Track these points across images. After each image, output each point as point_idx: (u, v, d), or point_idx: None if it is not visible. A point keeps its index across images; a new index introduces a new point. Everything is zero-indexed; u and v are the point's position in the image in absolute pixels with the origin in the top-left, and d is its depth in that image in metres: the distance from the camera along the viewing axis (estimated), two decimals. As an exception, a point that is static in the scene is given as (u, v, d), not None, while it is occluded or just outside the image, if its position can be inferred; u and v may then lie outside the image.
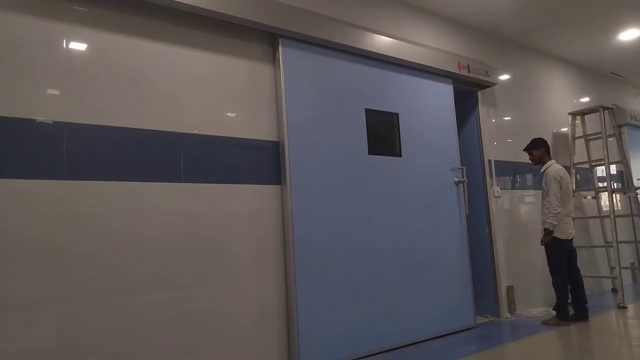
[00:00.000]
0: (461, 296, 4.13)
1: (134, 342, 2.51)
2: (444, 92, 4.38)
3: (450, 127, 4.37)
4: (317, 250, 3.25)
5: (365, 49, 3.68)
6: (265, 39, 3.32)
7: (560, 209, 4.11)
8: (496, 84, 4.77)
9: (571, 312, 4.21)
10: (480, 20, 4.74)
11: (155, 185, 2.71)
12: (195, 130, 2.90)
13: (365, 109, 3.74)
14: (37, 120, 2.37)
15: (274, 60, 3.34)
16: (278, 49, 3.31)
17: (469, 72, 4.43)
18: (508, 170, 4.91)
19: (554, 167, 4.31)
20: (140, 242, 2.60)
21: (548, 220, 4.12)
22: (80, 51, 2.56)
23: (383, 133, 3.89)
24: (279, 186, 3.22)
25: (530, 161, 4.55)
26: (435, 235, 4.04)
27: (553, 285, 4.22)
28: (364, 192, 3.61)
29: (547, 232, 4.14)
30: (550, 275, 4.26)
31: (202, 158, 2.90)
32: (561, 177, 4.22)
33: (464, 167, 4.34)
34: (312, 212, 3.27)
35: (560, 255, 4.19)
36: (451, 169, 4.27)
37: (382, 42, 3.79)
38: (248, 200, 3.06)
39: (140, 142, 2.69)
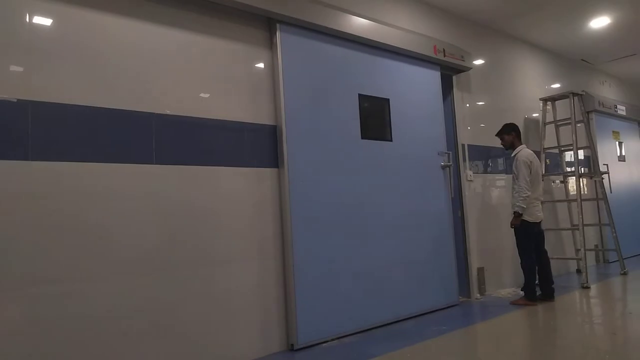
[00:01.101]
0: (446, 275, 4.30)
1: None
2: (432, 79, 4.47)
3: (437, 112, 4.48)
4: (313, 231, 3.36)
5: (340, 29, 3.64)
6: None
7: (529, 193, 4.21)
8: (471, 68, 4.81)
9: (538, 292, 4.35)
10: (455, 5, 4.75)
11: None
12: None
13: (359, 94, 3.80)
14: (0, 99, 2.27)
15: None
16: (276, 34, 3.33)
17: (444, 56, 4.45)
18: (481, 155, 4.99)
19: (524, 151, 4.40)
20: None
21: (517, 204, 4.22)
22: (46, 26, 2.45)
23: (375, 118, 3.97)
24: (276, 169, 3.28)
25: (502, 146, 4.63)
26: (423, 216, 4.19)
27: (521, 266, 4.34)
28: (357, 176, 3.71)
29: (517, 215, 4.24)
30: (519, 257, 4.38)
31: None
32: (531, 162, 4.32)
33: (450, 152, 4.48)
34: (308, 195, 3.36)
35: (529, 237, 4.30)
36: (438, 153, 4.38)
37: (356, 24, 3.75)
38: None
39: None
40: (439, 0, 4.63)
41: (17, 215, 2.26)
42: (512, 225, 4.32)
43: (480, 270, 4.69)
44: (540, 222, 4.39)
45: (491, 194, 5.07)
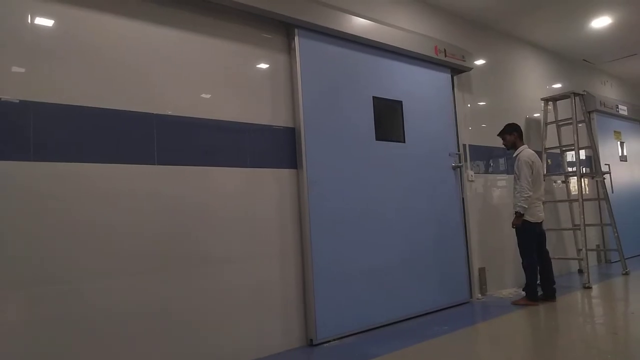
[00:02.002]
0: (458, 273, 4.40)
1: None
2: (442, 81, 4.56)
3: (448, 114, 4.57)
4: (330, 230, 3.45)
5: (343, 30, 3.67)
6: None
7: (531, 193, 4.21)
8: (472, 68, 4.81)
9: (540, 292, 4.34)
10: (456, 5, 4.75)
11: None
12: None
13: (373, 97, 3.89)
14: (2, 99, 2.27)
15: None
16: (294, 39, 3.42)
17: (445, 56, 4.46)
18: (482, 155, 4.99)
19: (526, 151, 4.40)
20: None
21: (519, 204, 4.22)
22: (48, 27, 2.45)
23: (388, 120, 4.06)
24: (294, 170, 3.38)
25: (503, 146, 4.63)
26: (436, 216, 4.29)
27: (523, 266, 4.34)
28: (372, 176, 3.82)
29: (518, 215, 4.24)
30: (520, 257, 4.38)
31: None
32: (532, 162, 4.32)
33: (461, 153, 4.54)
34: (325, 195, 3.46)
35: (530, 237, 4.30)
36: (449, 154, 4.46)
37: (357, 24, 3.76)
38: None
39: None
40: (439, 0, 4.63)
41: (19, 215, 2.27)
42: (513, 225, 4.31)
43: (482, 271, 4.69)
44: (541, 222, 4.39)
45: (492, 194, 5.07)
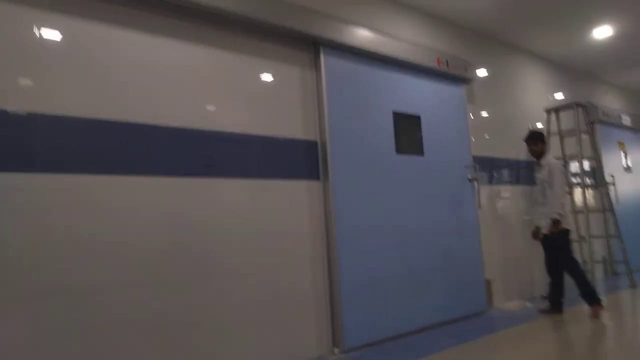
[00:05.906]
0: (475, 283, 4.45)
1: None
2: (458, 95, 4.66)
3: (463, 127, 4.65)
4: (354, 242, 3.55)
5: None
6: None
7: (567, 200, 4.14)
8: (474, 79, 4.81)
9: (548, 306, 4.28)
10: (458, 16, 4.78)
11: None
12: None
13: (393, 112, 3.99)
14: (9, 111, 2.27)
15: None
16: (320, 56, 3.55)
17: (448, 67, 4.47)
18: (486, 166, 4.96)
19: (555, 160, 4.40)
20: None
21: (556, 210, 4.11)
22: (55, 40, 2.46)
23: (407, 134, 4.16)
24: (317, 182, 3.48)
25: (529, 153, 4.59)
26: (453, 226, 4.36)
27: (571, 275, 4.17)
28: (393, 188, 3.92)
29: (556, 222, 4.12)
30: (546, 269, 4.33)
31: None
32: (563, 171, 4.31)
33: (477, 165, 4.60)
34: (349, 205, 3.57)
35: (569, 243, 4.20)
36: (465, 166, 4.52)
37: (360, 35, 3.78)
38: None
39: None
40: (441, 12, 4.65)
41: (24, 226, 2.25)
42: (550, 233, 4.18)
43: (488, 283, 4.64)
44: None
45: (497, 205, 5.04)
